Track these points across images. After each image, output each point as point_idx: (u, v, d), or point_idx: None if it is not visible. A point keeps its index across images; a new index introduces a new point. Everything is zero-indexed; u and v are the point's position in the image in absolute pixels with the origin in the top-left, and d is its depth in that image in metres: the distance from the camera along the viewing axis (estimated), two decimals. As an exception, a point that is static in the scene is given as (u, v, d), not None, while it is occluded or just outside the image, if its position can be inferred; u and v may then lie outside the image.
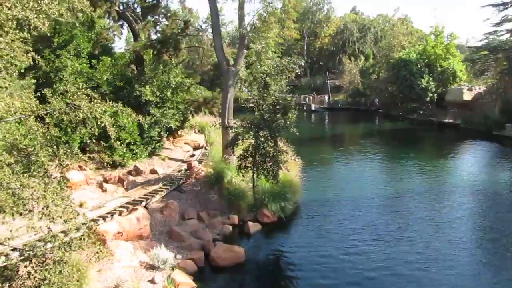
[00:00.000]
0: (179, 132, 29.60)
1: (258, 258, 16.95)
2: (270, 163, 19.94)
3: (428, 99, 54.22)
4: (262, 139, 19.98)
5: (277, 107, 19.42)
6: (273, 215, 20.02)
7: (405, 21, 71.43)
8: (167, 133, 24.50)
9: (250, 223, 19.18)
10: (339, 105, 73.06)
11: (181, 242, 17.04)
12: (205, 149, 28.61)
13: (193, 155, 26.41)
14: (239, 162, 20.50)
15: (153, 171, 22.36)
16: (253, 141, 20.27)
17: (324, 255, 16.57)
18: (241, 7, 23.97)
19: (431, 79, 53.37)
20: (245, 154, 20.47)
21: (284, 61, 19.81)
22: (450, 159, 34.51)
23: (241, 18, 23.99)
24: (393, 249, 16.93)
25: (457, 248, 16.85)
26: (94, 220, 15.73)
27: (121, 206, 17.34)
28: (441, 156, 35.18)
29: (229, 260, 15.75)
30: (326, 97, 77.65)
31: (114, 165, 21.56)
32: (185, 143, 29.18)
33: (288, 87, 20.69)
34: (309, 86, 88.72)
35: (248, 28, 24.05)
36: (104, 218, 16.08)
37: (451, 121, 50.07)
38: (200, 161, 24.53)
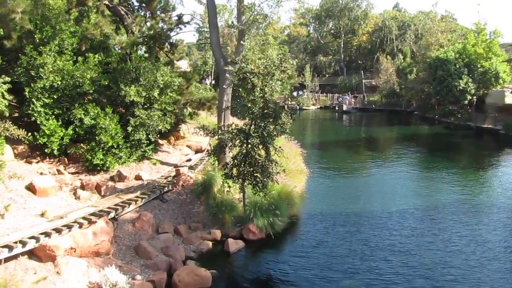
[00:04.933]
0: (182, 134, 27.97)
1: (229, 283, 14.86)
2: (256, 174, 17.90)
3: (466, 101, 49.95)
4: (250, 146, 17.98)
5: (265, 111, 17.26)
6: (260, 232, 17.81)
7: (446, 18, 66.63)
8: (158, 135, 22.81)
9: (230, 240, 17.08)
10: (373, 106, 69.61)
11: (147, 260, 15.29)
12: (207, 152, 26.80)
13: (189, 160, 24.63)
14: (225, 171, 18.56)
15: (138, 177, 20.74)
16: (242, 149, 18.29)
17: (309, 284, 14.27)
18: (240, 0, 22.04)
19: (470, 80, 49.05)
20: (234, 162, 18.49)
21: (277, 59, 17.59)
22: (487, 172, 30.58)
23: (240, 12, 22.02)
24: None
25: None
26: (46, 233, 14.39)
27: (84, 218, 15.78)
28: (478, 168, 31.29)
29: (192, 286, 13.76)
30: (360, 97, 74.46)
31: (95, 170, 20.19)
32: (187, 146, 27.42)
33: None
34: (344, 85, 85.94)
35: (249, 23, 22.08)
36: (59, 231, 14.56)
37: (490, 126, 45.72)
38: (193, 167, 22.71)
